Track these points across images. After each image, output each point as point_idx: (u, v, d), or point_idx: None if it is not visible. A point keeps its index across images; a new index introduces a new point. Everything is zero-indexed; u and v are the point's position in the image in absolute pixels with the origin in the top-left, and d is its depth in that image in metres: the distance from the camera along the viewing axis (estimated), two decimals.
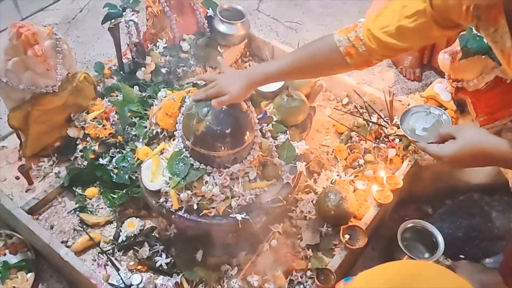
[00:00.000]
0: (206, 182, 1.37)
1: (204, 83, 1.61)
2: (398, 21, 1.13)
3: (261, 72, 1.34)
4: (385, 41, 1.15)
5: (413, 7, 1.11)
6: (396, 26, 1.13)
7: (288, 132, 1.58)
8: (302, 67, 1.29)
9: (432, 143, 1.08)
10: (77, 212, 1.62)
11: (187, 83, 1.75)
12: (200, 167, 1.38)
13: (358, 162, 1.76)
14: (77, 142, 1.69)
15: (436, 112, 1.27)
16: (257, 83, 1.36)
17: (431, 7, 1.07)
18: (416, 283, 0.74)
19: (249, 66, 2.17)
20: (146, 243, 1.51)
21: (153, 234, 1.53)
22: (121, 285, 1.44)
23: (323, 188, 1.66)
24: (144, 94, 1.76)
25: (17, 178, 1.65)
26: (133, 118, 1.67)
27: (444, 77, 1.81)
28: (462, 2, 1.02)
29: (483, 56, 1.57)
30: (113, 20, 1.72)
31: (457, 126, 1.28)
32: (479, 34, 1.59)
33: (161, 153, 1.48)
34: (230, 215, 1.38)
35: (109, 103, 1.74)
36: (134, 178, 1.56)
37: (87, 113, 1.71)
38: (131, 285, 1.43)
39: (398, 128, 1.82)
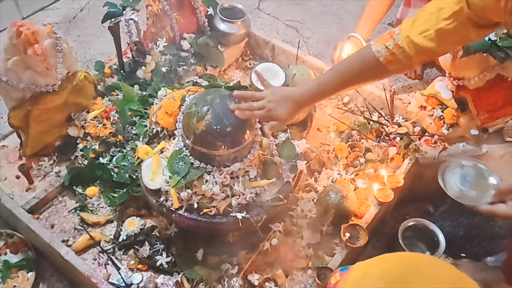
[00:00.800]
0: (206, 181, 1.37)
1: (206, 83, 1.60)
2: (436, 24, 1.13)
3: (306, 94, 1.34)
4: (424, 46, 1.15)
5: (449, 9, 1.10)
6: (435, 29, 1.13)
7: (288, 130, 1.58)
8: (344, 81, 1.31)
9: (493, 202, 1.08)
10: (78, 211, 1.62)
11: (187, 82, 1.75)
12: (200, 166, 1.38)
13: (359, 160, 1.76)
14: (78, 141, 1.68)
15: (469, 163, 1.23)
16: (302, 105, 1.37)
17: (467, 6, 1.07)
18: (414, 277, 0.71)
19: (250, 65, 2.16)
20: (146, 242, 1.51)
21: (153, 233, 1.53)
22: (121, 284, 1.44)
23: (324, 186, 1.66)
24: (144, 93, 1.75)
25: (18, 177, 1.65)
26: (133, 117, 1.67)
27: (445, 75, 1.80)
28: None
29: (484, 54, 1.56)
30: (113, 19, 1.72)
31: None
32: None
33: (161, 152, 1.47)
34: (231, 214, 1.38)
35: (109, 102, 1.74)
36: (134, 177, 1.56)
37: (88, 112, 1.71)
38: (132, 284, 1.43)
39: (399, 126, 1.81)
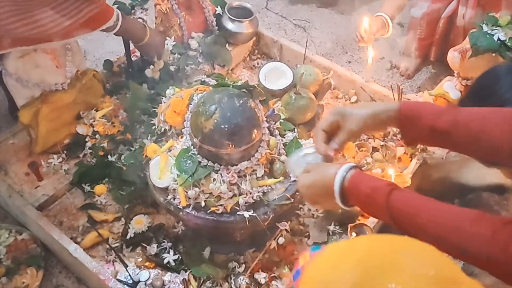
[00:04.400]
0: (214, 179, 1.37)
1: (214, 82, 1.61)
2: None
3: None
4: None
5: None
6: None
7: (296, 130, 1.58)
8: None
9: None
10: (86, 209, 1.63)
11: (195, 81, 1.75)
12: (208, 164, 1.39)
13: (366, 160, 1.76)
14: (86, 139, 1.70)
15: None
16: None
17: None
18: (392, 267, 0.60)
19: (257, 64, 2.17)
20: (154, 240, 1.52)
21: (161, 231, 1.53)
22: (129, 281, 1.45)
23: None
24: (152, 91, 1.76)
25: (27, 174, 1.67)
26: (142, 115, 1.68)
27: (454, 75, 1.79)
28: None
29: (493, 54, 1.55)
30: None
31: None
32: (489, 32, 1.58)
33: (169, 150, 1.48)
34: (238, 213, 1.38)
35: (118, 101, 1.75)
36: (142, 175, 1.57)
37: (96, 110, 1.72)
38: (139, 281, 1.44)
39: None
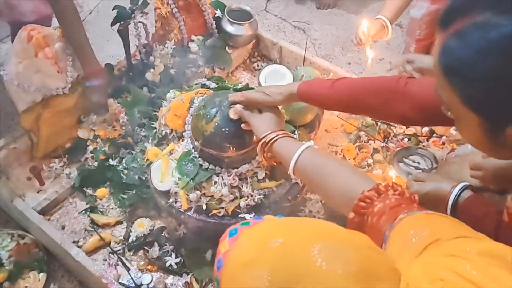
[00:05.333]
0: (215, 182, 1.38)
1: (214, 85, 1.61)
2: None
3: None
4: None
5: None
6: None
7: (296, 132, 1.58)
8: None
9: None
10: (88, 213, 1.63)
11: (196, 84, 1.75)
12: (209, 167, 1.39)
13: (366, 161, 1.76)
14: (88, 143, 1.70)
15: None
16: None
17: None
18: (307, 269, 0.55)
19: (257, 66, 2.17)
20: (156, 243, 1.52)
21: (162, 234, 1.54)
22: (131, 285, 1.45)
23: None
24: (153, 95, 1.77)
25: (29, 179, 1.67)
26: (143, 119, 1.68)
27: None
28: None
29: None
30: (122, 22, 1.73)
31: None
32: None
33: (170, 153, 1.48)
34: (239, 215, 1.38)
35: (118, 104, 1.76)
36: (143, 178, 1.57)
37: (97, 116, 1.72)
38: (142, 284, 1.44)
39: (407, 127, 1.81)
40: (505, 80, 0.67)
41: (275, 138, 1.12)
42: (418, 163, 1.54)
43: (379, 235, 0.79)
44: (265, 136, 1.14)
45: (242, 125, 1.27)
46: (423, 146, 1.73)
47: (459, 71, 0.71)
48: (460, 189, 1.11)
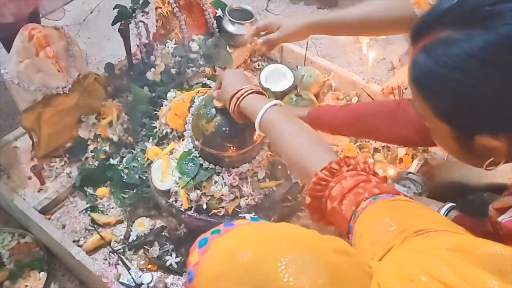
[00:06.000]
0: (216, 182, 1.38)
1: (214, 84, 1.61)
2: None
3: (326, 18, 1.35)
4: None
5: None
6: None
7: None
8: (368, 18, 1.29)
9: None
10: (88, 212, 1.63)
11: (196, 84, 1.76)
12: (210, 167, 1.39)
13: (367, 161, 1.76)
14: (88, 143, 1.70)
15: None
16: (316, 29, 1.37)
17: None
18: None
19: (258, 66, 2.17)
20: (156, 242, 1.52)
21: (163, 234, 1.54)
22: (131, 284, 1.45)
23: None
24: (153, 94, 1.77)
25: (30, 178, 1.67)
26: (143, 118, 1.68)
27: None
28: None
29: None
30: (123, 21, 1.73)
31: None
32: None
33: (171, 153, 1.49)
34: (239, 215, 1.38)
35: (120, 104, 1.76)
36: (144, 178, 1.57)
37: (96, 118, 1.72)
38: (142, 284, 1.44)
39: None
40: (467, 92, 0.71)
41: (244, 94, 1.14)
42: (409, 187, 1.56)
43: (343, 221, 0.81)
44: (237, 92, 1.15)
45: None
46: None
47: (427, 85, 0.76)
48: (446, 210, 1.14)
